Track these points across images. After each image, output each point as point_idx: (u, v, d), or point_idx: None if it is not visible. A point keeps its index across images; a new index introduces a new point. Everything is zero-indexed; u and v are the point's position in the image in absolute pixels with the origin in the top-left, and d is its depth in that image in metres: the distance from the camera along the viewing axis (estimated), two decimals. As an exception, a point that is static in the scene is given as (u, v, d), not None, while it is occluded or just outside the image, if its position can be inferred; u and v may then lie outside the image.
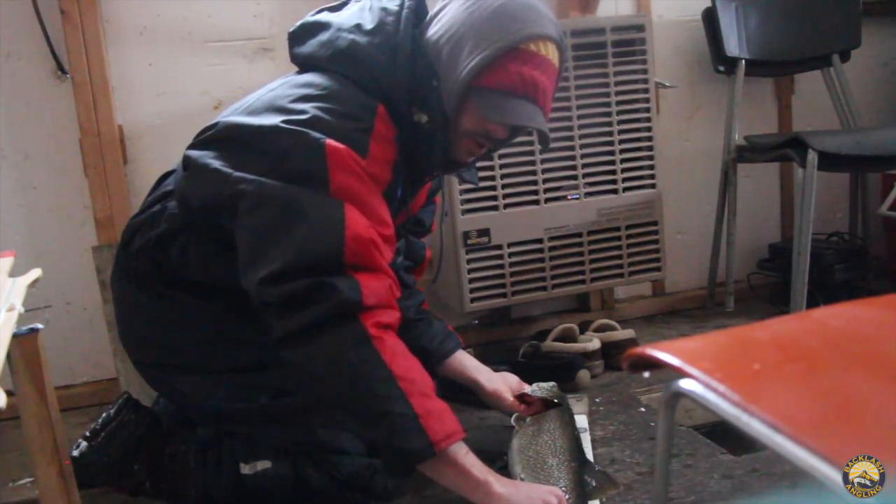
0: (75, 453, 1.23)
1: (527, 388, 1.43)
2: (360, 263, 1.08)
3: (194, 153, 1.18)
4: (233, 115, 1.21)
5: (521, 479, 1.18)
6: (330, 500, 1.24)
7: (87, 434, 1.26)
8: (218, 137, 1.17)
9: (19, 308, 0.92)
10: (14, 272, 1.04)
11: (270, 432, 1.25)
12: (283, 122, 1.11)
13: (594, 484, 1.17)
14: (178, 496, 1.27)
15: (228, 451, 1.26)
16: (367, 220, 1.09)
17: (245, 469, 1.24)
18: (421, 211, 1.49)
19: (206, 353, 1.23)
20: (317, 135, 1.09)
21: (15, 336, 0.91)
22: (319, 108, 1.12)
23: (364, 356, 1.05)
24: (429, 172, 1.32)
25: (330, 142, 1.08)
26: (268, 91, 1.22)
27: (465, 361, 1.48)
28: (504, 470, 1.21)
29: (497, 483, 1.10)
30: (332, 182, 1.08)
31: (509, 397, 1.43)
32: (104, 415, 1.28)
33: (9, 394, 0.76)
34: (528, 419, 1.33)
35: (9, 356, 0.88)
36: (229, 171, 1.11)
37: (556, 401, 1.37)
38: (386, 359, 1.05)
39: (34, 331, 0.97)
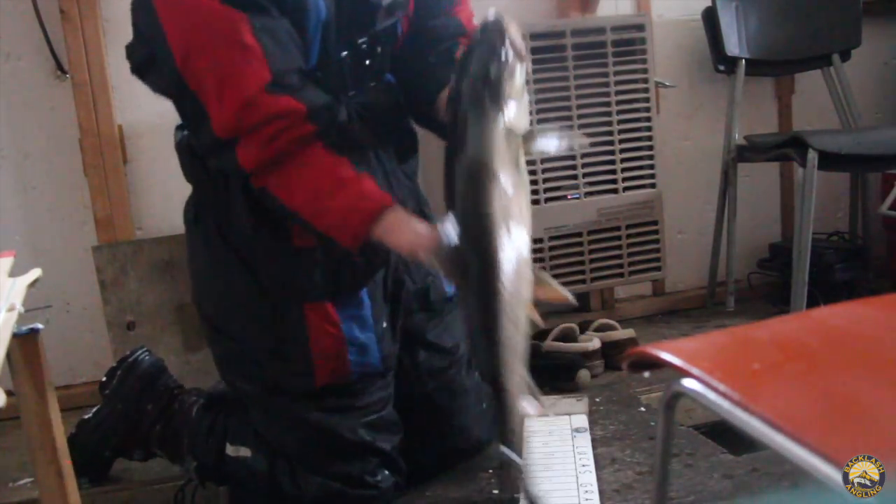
0: (88, 416, 1.31)
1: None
2: (237, 131, 1.06)
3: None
4: None
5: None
6: None
7: (104, 379, 1.34)
8: None
9: (19, 308, 0.92)
10: (14, 272, 1.04)
11: (261, 419, 1.25)
12: None
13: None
14: (177, 449, 1.30)
15: (222, 424, 1.28)
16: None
17: (229, 450, 1.26)
18: None
19: (238, 317, 1.24)
20: None
21: (15, 336, 0.91)
22: None
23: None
24: None
25: None
26: None
27: None
28: (502, 471, 1.20)
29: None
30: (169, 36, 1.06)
31: None
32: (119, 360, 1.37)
33: (9, 394, 0.76)
34: None
35: (9, 356, 0.88)
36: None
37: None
38: (283, 198, 1.09)
39: (34, 331, 0.96)
